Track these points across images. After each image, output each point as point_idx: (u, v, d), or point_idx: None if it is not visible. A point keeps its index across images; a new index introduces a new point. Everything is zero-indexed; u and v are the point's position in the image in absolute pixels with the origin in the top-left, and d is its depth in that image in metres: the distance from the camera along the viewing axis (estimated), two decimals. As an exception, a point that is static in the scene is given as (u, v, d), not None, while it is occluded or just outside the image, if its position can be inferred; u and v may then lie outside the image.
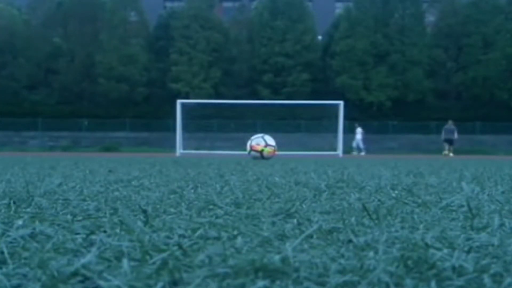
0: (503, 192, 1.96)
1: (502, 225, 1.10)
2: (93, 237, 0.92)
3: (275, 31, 40.60)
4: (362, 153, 26.37)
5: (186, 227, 1.05)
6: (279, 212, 1.30)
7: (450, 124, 25.11)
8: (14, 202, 1.46)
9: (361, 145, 27.77)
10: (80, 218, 1.19)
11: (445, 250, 0.79)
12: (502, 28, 39.62)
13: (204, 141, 29.47)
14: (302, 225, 1.10)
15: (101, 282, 0.62)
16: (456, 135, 25.00)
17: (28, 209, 1.36)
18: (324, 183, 2.39)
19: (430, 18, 42.64)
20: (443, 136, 25.21)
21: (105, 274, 0.65)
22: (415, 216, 1.24)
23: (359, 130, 28.06)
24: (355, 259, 0.73)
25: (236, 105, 29.62)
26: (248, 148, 9.64)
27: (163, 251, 0.79)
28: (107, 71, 39.24)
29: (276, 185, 2.24)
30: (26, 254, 0.78)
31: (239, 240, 0.89)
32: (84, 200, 1.61)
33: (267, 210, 1.37)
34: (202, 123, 34.20)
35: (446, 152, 24.63)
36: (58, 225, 1.08)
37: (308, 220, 1.18)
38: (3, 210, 1.32)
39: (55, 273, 0.65)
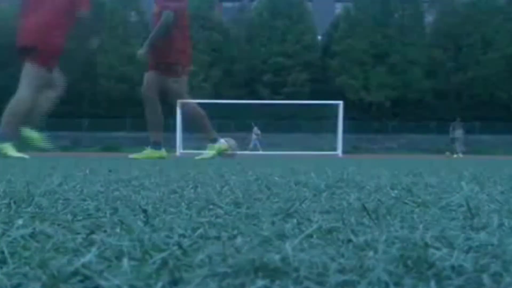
0: (502, 192, 1.96)
1: (501, 224, 1.10)
2: (93, 236, 0.92)
3: (274, 31, 40.63)
4: (259, 151, 26.50)
5: (186, 226, 1.05)
6: (279, 212, 1.30)
7: (458, 121, 24.74)
8: (15, 202, 1.46)
9: (252, 144, 28.27)
10: (80, 217, 1.19)
11: (445, 250, 0.79)
12: (501, 28, 39.65)
13: (204, 141, 29.44)
14: (302, 224, 1.10)
15: (102, 282, 0.62)
16: (459, 134, 24.62)
17: (28, 209, 1.36)
18: (324, 183, 2.39)
19: (429, 18, 42.67)
20: (452, 134, 24.70)
21: (105, 274, 0.65)
22: (415, 216, 1.25)
23: (255, 130, 28.53)
24: (355, 259, 0.73)
25: (236, 105, 29.65)
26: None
27: (163, 250, 0.79)
28: (108, 71, 39.28)
29: (276, 185, 2.25)
30: (26, 253, 0.78)
31: (239, 239, 0.89)
32: (84, 199, 1.61)
33: (267, 209, 1.37)
34: (202, 123, 34.18)
35: (448, 153, 24.21)
36: (58, 224, 1.09)
37: (308, 219, 1.18)
38: (3, 210, 1.32)
39: (55, 273, 0.65)
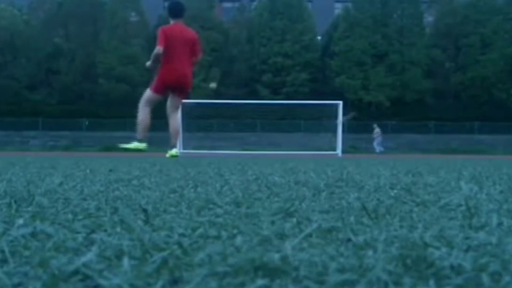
0: (501, 192, 1.96)
1: (500, 224, 1.10)
2: (94, 236, 0.93)
3: (274, 31, 40.61)
4: None
5: (186, 226, 1.06)
6: (279, 211, 1.31)
7: (376, 125, 26.30)
8: (15, 201, 1.46)
9: None
10: (80, 217, 1.20)
11: (444, 249, 0.80)
12: (500, 28, 39.65)
13: (204, 141, 29.45)
14: (301, 224, 1.10)
15: (102, 281, 0.62)
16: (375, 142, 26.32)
17: (29, 208, 1.36)
18: (324, 182, 2.40)
19: (428, 18, 42.67)
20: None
21: (105, 273, 0.65)
22: (414, 215, 1.25)
23: None
24: (354, 258, 0.74)
25: (236, 105, 29.63)
26: None
27: (163, 250, 0.79)
28: (108, 71, 39.26)
29: (275, 185, 2.25)
30: (27, 253, 0.79)
31: (238, 239, 0.89)
32: (84, 199, 1.61)
33: (267, 209, 1.37)
34: (202, 123, 34.19)
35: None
36: (59, 224, 1.09)
37: (308, 219, 1.18)
38: (4, 209, 1.32)
39: (56, 272, 0.65)
